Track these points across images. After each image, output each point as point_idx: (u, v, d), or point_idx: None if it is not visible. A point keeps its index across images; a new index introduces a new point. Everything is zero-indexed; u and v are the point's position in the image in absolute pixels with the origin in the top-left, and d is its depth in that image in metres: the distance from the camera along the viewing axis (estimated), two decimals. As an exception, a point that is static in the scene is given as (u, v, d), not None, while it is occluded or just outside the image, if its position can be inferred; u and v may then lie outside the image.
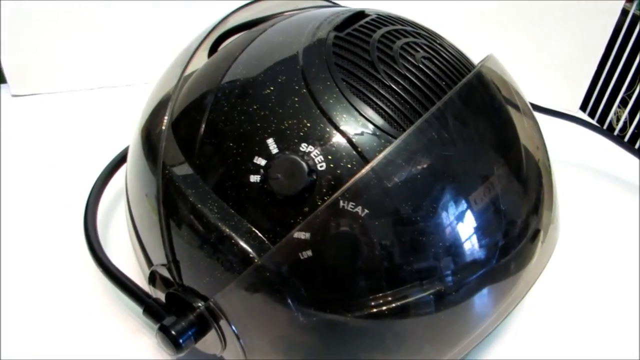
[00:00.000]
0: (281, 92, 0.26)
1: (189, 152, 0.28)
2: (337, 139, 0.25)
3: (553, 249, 0.32)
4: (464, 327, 0.28)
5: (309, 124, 0.25)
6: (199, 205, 0.26)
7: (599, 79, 0.69)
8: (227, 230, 0.25)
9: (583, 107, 0.73)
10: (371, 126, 0.25)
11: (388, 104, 0.26)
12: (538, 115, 0.51)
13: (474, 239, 0.26)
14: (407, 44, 0.28)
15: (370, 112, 0.25)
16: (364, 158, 0.25)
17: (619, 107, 0.65)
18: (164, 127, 0.29)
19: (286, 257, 0.25)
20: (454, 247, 0.25)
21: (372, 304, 0.25)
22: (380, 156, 0.24)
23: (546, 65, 0.66)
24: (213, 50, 0.35)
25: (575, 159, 0.54)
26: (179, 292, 0.27)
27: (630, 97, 0.64)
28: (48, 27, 0.62)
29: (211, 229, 0.26)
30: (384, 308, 0.25)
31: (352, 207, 0.24)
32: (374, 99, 0.26)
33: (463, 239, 0.25)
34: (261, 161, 0.25)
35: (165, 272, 0.28)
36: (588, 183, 0.52)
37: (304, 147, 0.25)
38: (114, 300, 0.37)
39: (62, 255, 0.41)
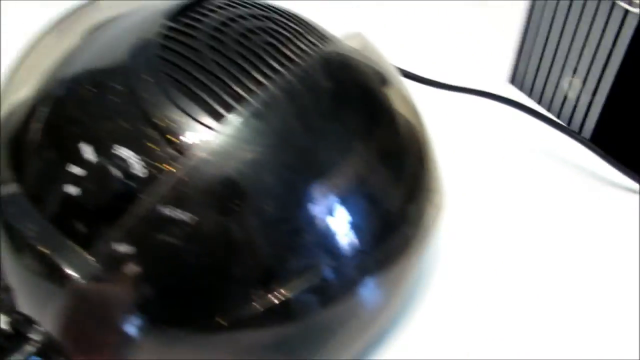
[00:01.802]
0: (99, 91, 0.24)
1: (15, 162, 0.25)
2: (156, 139, 0.22)
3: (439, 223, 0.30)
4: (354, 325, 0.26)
5: (126, 125, 0.23)
6: (17, 225, 0.24)
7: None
8: (48, 251, 0.23)
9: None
10: (196, 124, 0.23)
11: (215, 96, 0.23)
12: (463, 96, 0.47)
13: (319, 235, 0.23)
14: (250, 29, 0.26)
15: (195, 108, 0.23)
16: (186, 157, 0.22)
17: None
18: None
19: (110, 275, 0.22)
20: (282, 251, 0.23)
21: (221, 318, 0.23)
22: (203, 153, 0.22)
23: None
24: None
25: (506, 142, 0.50)
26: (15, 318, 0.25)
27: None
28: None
29: (33, 252, 0.23)
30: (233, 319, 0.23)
31: (174, 213, 0.22)
32: (200, 92, 0.23)
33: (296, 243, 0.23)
34: (75, 169, 0.23)
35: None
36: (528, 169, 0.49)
37: (120, 151, 0.22)
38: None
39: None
